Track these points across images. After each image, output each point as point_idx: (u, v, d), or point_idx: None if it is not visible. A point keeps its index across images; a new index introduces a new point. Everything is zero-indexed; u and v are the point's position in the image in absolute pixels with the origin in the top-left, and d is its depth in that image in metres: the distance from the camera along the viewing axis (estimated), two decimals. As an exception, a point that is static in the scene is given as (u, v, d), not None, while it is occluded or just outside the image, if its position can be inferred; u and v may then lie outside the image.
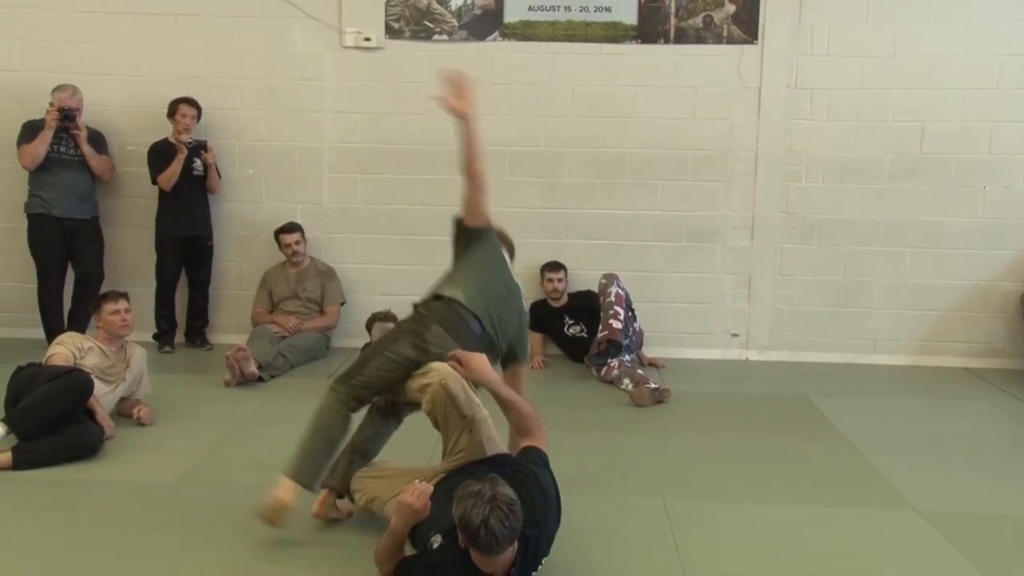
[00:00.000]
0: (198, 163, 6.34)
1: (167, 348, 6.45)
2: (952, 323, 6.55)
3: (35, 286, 6.30)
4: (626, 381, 5.69)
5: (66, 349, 4.55)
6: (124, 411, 4.81)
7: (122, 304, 4.75)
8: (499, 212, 6.52)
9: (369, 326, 5.45)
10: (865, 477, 4.28)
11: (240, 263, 6.77)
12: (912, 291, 6.54)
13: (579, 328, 6.38)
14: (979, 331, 6.54)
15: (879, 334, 6.59)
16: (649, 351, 6.45)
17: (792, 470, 4.35)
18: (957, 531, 3.64)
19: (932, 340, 6.56)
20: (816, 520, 3.77)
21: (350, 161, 6.64)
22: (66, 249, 6.26)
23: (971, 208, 6.42)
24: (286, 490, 3.40)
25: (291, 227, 6.45)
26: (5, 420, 4.12)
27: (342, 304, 6.57)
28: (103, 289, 5.84)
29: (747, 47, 6.43)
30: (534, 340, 6.52)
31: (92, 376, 4.44)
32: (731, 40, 6.44)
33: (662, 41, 6.46)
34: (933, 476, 4.31)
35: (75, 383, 4.25)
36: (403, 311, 5.71)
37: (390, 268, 6.70)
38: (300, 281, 6.48)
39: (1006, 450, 4.83)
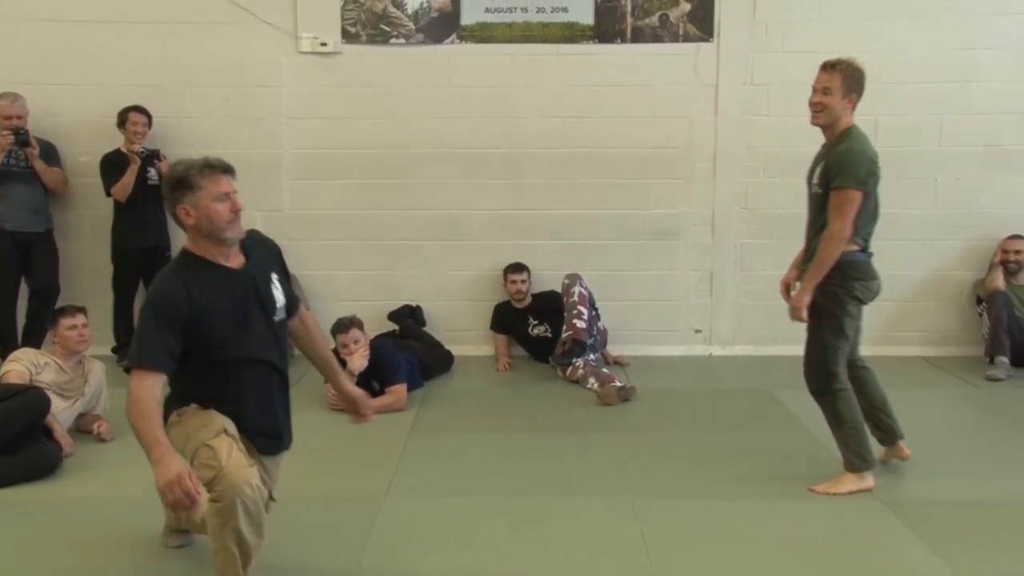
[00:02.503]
0: (152, 173, 6.25)
1: (126, 362, 6.34)
2: (908, 313, 6.65)
3: (-12, 304, 6.19)
4: (592, 380, 5.71)
5: (21, 366, 4.47)
6: (83, 427, 4.74)
7: (79, 319, 4.67)
8: (462, 215, 6.61)
9: (334, 332, 5.41)
10: (829, 470, 4.31)
11: (200, 273, 6.69)
12: (870, 283, 6.62)
13: (543, 328, 6.39)
14: (934, 320, 6.65)
15: (839, 326, 6.66)
16: (614, 349, 6.48)
17: (758, 465, 4.39)
18: (920, 519, 3.70)
19: (889, 330, 6.65)
20: (783, 514, 3.81)
21: (310, 167, 6.60)
22: (19, 264, 6.13)
23: (924, 200, 6.52)
24: None
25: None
26: (-40, 441, 4.05)
27: (306, 309, 6.50)
28: (59, 303, 5.75)
29: (703, 45, 6.48)
30: (499, 342, 6.53)
31: (49, 393, 4.36)
32: (687, 38, 6.48)
33: (619, 40, 6.49)
34: (895, 465, 4.37)
35: (32, 401, 4.18)
36: (367, 317, 5.79)
37: (353, 274, 6.66)
38: (261, 289, 6.41)
39: (963, 436, 4.92)
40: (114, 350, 6.36)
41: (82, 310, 4.74)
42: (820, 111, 3.85)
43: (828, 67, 3.85)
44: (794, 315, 3.89)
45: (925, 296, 6.63)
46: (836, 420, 4.01)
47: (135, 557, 3.42)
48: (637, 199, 6.63)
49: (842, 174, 3.74)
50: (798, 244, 6.52)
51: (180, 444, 2.87)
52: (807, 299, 3.84)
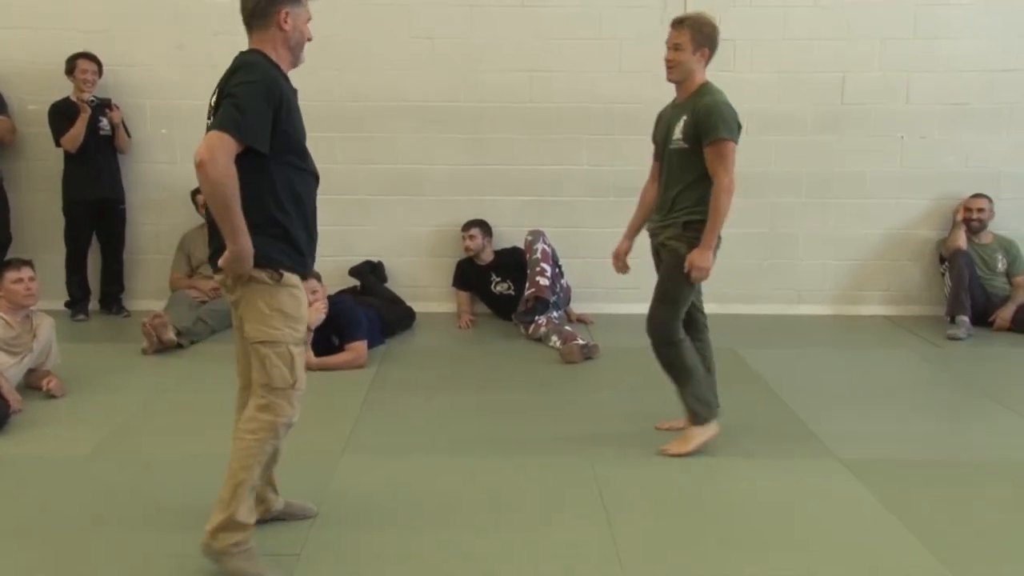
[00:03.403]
0: (104, 122, 6.07)
1: (81, 316, 6.21)
2: (873, 272, 6.66)
3: (-68, 255, 6.01)
4: (554, 338, 5.66)
5: (-33, 321, 4.34)
6: (32, 383, 4.61)
7: (25, 272, 4.53)
8: (422, 170, 6.50)
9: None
10: (790, 428, 4.32)
11: (156, 226, 6.55)
12: (835, 241, 6.63)
13: (506, 286, 6.32)
14: (898, 279, 6.67)
15: (803, 285, 6.68)
16: (577, 307, 6.43)
17: (720, 422, 4.35)
18: (878, 479, 3.69)
19: (854, 289, 6.68)
20: (743, 472, 3.79)
21: (267, 119, 6.41)
22: (-34, 215, 5.96)
23: (890, 158, 6.51)
24: None
25: (207, 188, 6.23)
26: (-99, 397, 3.92)
27: (264, 266, 6.39)
28: (9, 255, 5.58)
29: (670, -2, 6.37)
30: (461, 299, 6.46)
31: (-4, 351, 4.24)
32: (654, -9, 6.37)
33: (585, -7, 6.35)
34: (855, 424, 4.38)
35: (-23, 357, 4.05)
36: (326, 273, 5.67)
37: (312, 228, 6.53)
38: (218, 244, 6.27)
39: (923, 396, 4.94)
40: (67, 304, 6.21)
41: (28, 263, 4.59)
42: (673, 67, 3.86)
43: (677, 23, 3.85)
44: (701, 277, 3.82)
45: (888, 255, 6.64)
46: (684, 371, 3.94)
47: (81, 513, 3.33)
48: (603, 155, 6.55)
49: (718, 127, 3.72)
50: (764, 202, 6.57)
51: (264, 308, 2.82)
52: (710, 257, 3.79)
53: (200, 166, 2.68)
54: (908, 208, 6.57)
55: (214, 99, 2.88)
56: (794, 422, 4.39)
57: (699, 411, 3.98)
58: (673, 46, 3.84)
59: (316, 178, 3.03)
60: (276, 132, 2.79)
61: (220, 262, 2.81)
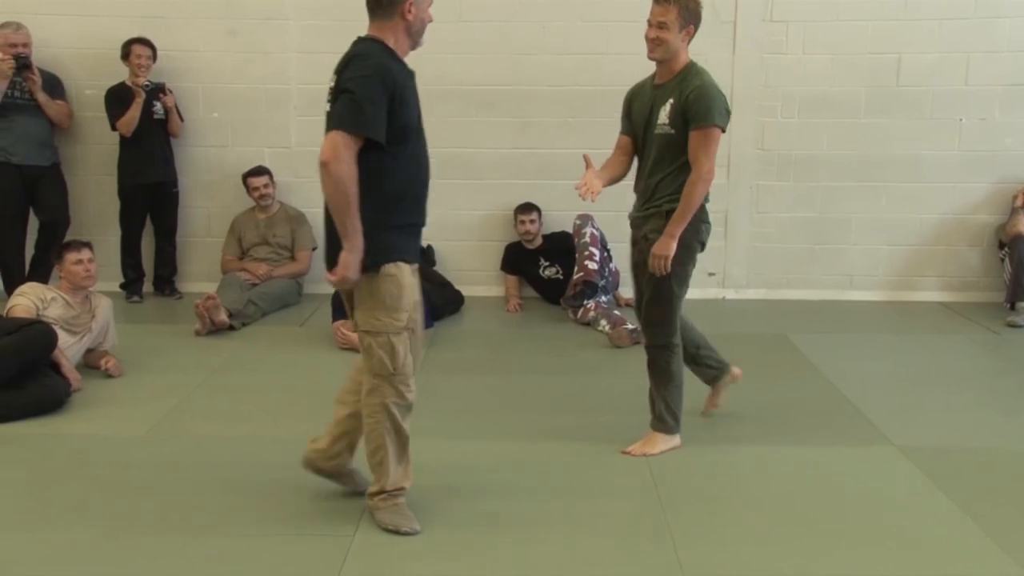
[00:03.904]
0: (158, 107, 6.14)
1: (135, 298, 6.31)
2: (928, 257, 6.53)
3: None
4: (603, 322, 5.64)
5: (28, 300, 4.43)
6: (91, 363, 4.70)
7: (85, 254, 4.62)
8: (470, 154, 6.49)
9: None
10: (844, 414, 4.27)
11: (208, 209, 6.62)
12: (888, 226, 6.51)
13: (555, 270, 6.30)
14: (955, 265, 6.53)
15: (855, 270, 6.57)
16: (625, 292, 6.39)
17: (772, 409, 4.32)
18: (935, 465, 3.64)
19: (908, 275, 6.55)
20: (797, 459, 3.75)
21: (318, 103, 6.30)
22: (27, 198, 6.06)
23: (947, 141, 6.37)
24: None
25: (259, 170, 6.30)
26: (-34, 375, 4.01)
27: (313, 249, 6.44)
28: (68, 237, 5.68)
29: (722, -20, 6.29)
30: (509, 283, 6.46)
31: (56, 328, 4.32)
32: (705, -28, 6.28)
33: (635, -26, 6.28)
34: (911, 411, 4.31)
35: (39, 335, 4.14)
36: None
37: (361, 212, 6.56)
38: (270, 227, 6.34)
39: (981, 384, 4.84)
40: (122, 286, 6.32)
41: (88, 245, 4.68)
42: (658, 45, 3.56)
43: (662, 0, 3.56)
44: (659, 265, 3.58)
45: (947, 240, 6.49)
46: (666, 376, 3.77)
47: (141, 492, 3.39)
48: (652, 138, 6.47)
49: (709, 112, 3.51)
50: (815, 186, 6.47)
51: (368, 297, 2.94)
52: (674, 247, 3.56)
53: (324, 166, 2.79)
54: (966, 192, 6.42)
55: (332, 85, 2.92)
56: (848, 408, 4.33)
57: (667, 421, 3.80)
58: (657, 24, 3.56)
59: (427, 160, 3.09)
60: (390, 123, 2.85)
61: (338, 270, 2.88)
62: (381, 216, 2.91)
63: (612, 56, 6.38)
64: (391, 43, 2.96)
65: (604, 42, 6.37)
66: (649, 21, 3.59)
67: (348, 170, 2.78)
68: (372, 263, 2.91)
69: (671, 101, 3.58)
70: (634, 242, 3.82)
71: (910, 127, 6.37)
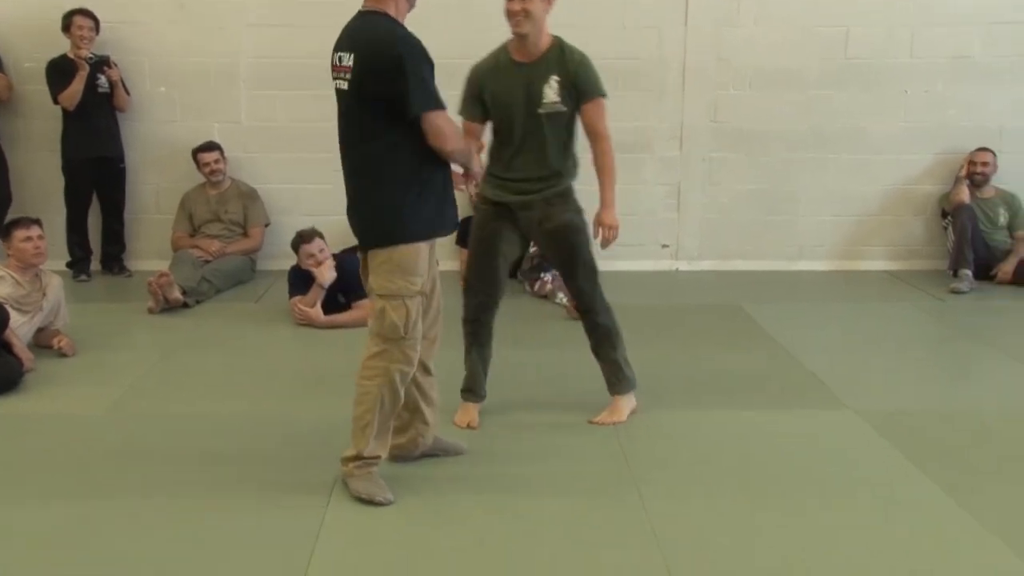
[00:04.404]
0: (102, 79, 5.99)
1: (83, 277, 6.18)
2: (874, 227, 6.68)
3: (-68, 216, 5.96)
4: (560, 295, 5.67)
5: (-24, 279, 4.31)
6: (42, 342, 4.60)
7: (34, 231, 4.51)
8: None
9: (295, 246, 5.28)
10: (801, 380, 4.36)
11: (157, 185, 6.50)
12: (836, 197, 6.63)
13: (510, 243, 6.30)
14: (900, 234, 6.68)
15: (805, 241, 6.69)
16: (580, 265, 6.41)
17: (729, 376, 4.40)
18: (890, 427, 3.74)
19: (855, 245, 6.69)
20: (758, 423, 3.83)
21: (269, 77, 6.36)
22: (-36, 175, 5.90)
23: (893, 113, 6.49)
24: None
25: (210, 146, 6.19)
26: (-85, 356, 3.90)
27: (266, 226, 6.37)
28: (11, 215, 5.54)
29: (674, -48, 6.31)
30: (464, 257, 6.44)
31: (6, 307, 4.21)
32: (657, -55, 6.31)
33: (589, -53, 6.28)
34: (863, 377, 4.41)
35: (-10, 315, 4.04)
36: (330, 232, 5.63)
37: (315, 188, 6.48)
38: (221, 203, 6.24)
39: (929, 349, 5.00)
40: (69, 265, 6.17)
41: (37, 221, 4.57)
42: (525, 18, 3.45)
43: None
44: (612, 235, 3.68)
45: (891, 210, 6.64)
46: (612, 333, 3.81)
47: (103, 470, 3.34)
48: (604, 112, 6.49)
49: (596, 83, 3.60)
50: (766, 159, 6.56)
51: (385, 262, 3.00)
52: (616, 214, 3.67)
53: (447, 152, 3.00)
54: (911, 163, 6.56)
55: (349, 62, 2.92)
56: (804, 375, 4.43)
57: (629, 374, 3.84)
58: None
59: None
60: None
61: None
62: (410, 187, 2.98)
63: (566, 29, 6.25)
64: (393, 11, 2.98)
65: (558, 17, 6.28)
66: None
67: (458, 136, 3.08)
68: (397, 237, 2.98)
69: (555, 78, 3.51)
70: (525, 229, 3.67)
71: (858, 100, 6.48)
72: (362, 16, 3.00)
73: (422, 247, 3.05)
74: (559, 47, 3.58)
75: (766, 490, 3.22)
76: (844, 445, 3.62)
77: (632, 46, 6.40)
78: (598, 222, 3.67)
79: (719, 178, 6.62)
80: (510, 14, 3.48)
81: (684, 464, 3.44)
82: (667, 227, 6.70)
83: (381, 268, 3.01)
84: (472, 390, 3.81)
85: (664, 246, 6.72)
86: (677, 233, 6.71)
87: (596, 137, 3.62)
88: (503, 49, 3.62)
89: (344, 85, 2.96)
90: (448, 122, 2.97)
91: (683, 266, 6.72)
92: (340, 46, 2.98)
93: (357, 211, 3.08)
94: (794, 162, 6.57)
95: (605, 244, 3.68)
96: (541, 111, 3.54)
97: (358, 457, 3.11)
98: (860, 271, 6.62)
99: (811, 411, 3.96)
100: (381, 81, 2.87)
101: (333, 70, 3.01)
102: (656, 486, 3.23)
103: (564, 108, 3.55)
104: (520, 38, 3.53)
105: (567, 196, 3.65)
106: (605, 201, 3.65)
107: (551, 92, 3.52)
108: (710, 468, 3.40)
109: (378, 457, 3.15)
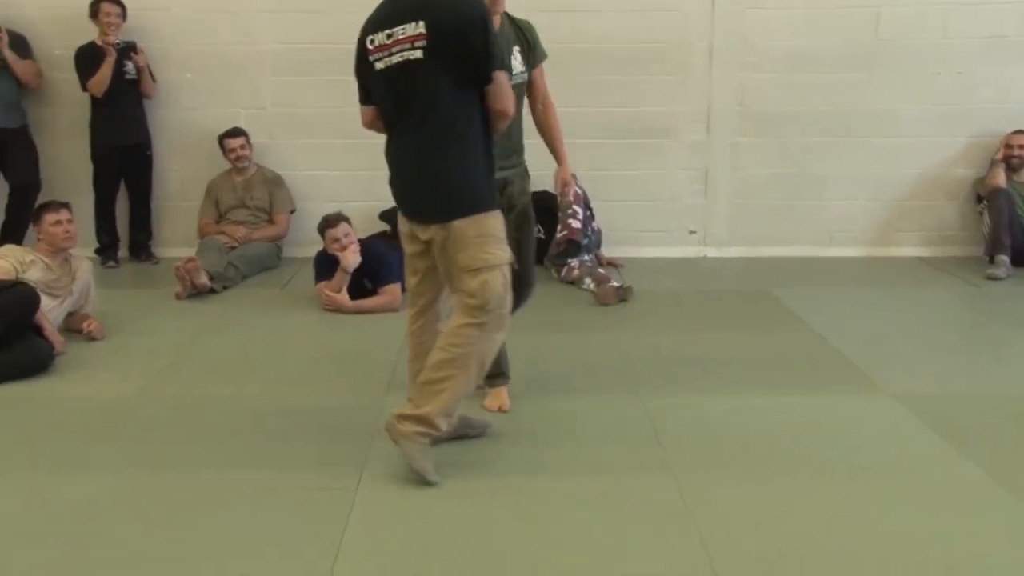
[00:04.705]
0: (130, 66, 6.00)
1: (111, 263, 6.20)
2: (906, 212, 6.58)
3: (-37, 202, 6.00)
4: (588, 281, 5.63)
5: (7, 263, 4.32)
6: (72, 326, 4.61)
7: (64, 214, 4.52)
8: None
9: (321, 230, 5.27)
10: (835, 364, 4.29)
11: (182, 172, 6.50)
12: (866, 181, 6.53)
13: (537, 229, 6.23)
14: (933, 219, 6.58)
15: (835, 226, 6.60)
16: (606, 251, 6.37)
17: (763, 360, 4.34)
18: (928, 410, 3.67)
19: (887, 230, 6.60)
20: (792, 406, 3.77)
21: (292, 63, 6.34)
22: (-4, 160, 5.93)
23: (925, 95, 6.39)
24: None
25: (235, 132, 6.19)
26: (-54, 338, 3.91)
27: (292, 212, 6.36)
28: (41, 200, 5.55)
29: (700, -66, 6.24)
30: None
31: (37, 290, 4.22)
32: (682, -74, 6.24)
33: (614, -70, 6.22)
34: (898, 361, 4.34)
35: (21, 297, 4.05)
36: (355, 218, 5.61)
37: (339, 174, 6.48)
38: (247, 189, 6.24)
39: (964, 333, 4.92)
40: (97, 251, 6.19)
41: (66, 205, 4.58)
42: None
43: None
44: (571, 190, 3.91)
45: (923, 195, 6.54)
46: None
47: (137, 447, 3.35)
48: (628, 96, 6.44)
49: (541, 45, 3.64)
50: (794, 142, 6.48)
51: (475, 235, 2.98)
52: None
53: (507, 114, 3.00)
54: (944, 146, 6.45)
55: (420, 30, 2.87)
56: (837, 358, 4.36)
57: (507, 364, 3.77)
58: None
59: None
60: None
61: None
62: (481, 158, 3.01)
63: (587, 13, 6.30)
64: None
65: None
66: None
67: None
68: (480, 206, 2.99)
69: (517, 48, 3.52)
70: (508, 207, 3.46)
71: (888, 82, 6.38)
72: None
73: (500, 214, 3.06)
74: (508, 16, 3.56)
75: (803, 472, 3.17)
76: (882, 428, 3.56)
77: (655, 29, 6.33)
78: (564, 178, 3.78)
79: (746, 163, 6.54)
80: None
81: (718, 446, 3.39)
82: (694, 213, 6.64)
83: (473, 241, 2.96)
84: (502, 373, 3.77)
85: (691, 232, 6.66)
86: (704, 219, 6.65)
87: (546, 97, 3.70)
88: None
89: (416, 54, 2.89)
90: (508, 82, 3.01)
91: (711, 252, 6.66)
92: (396, 19, 2.91)
93: (433, 187, 3.00)
94: (823, 146, 6.48)
95: (564, 197, 3.78)
96: (514, 82, 3.45)
97: (422, 420, 3.02)
98: (892, 257, 6.53)
99: (846, 395, 3.90)
100: (466, 40, 2.88)
101: (389, 46, 2.92)
102: (691, 468, 3.18)
103: (527, 75, 3.56)
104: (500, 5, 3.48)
105: (527, 172, 3.70)
106: (564, 157, 3.80)
107: (516, 63, 3.51)
108: (745, 450, 3.35)
109: (439, 431, 3.07)
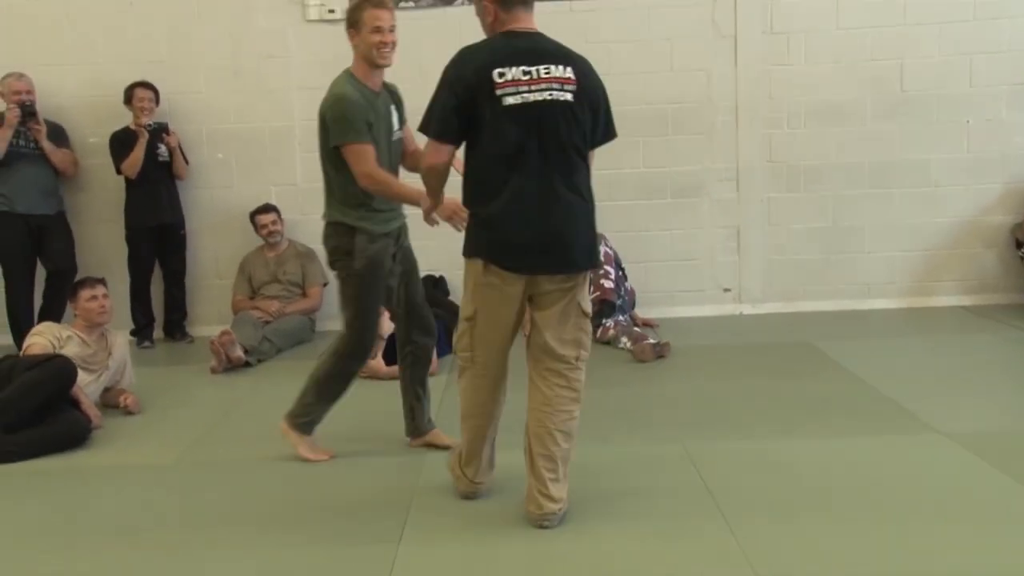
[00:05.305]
0: (162, 148, 6.11)
1: (147, 343, 6.21)
2: (945, 261, 6.47)
3: (3, 291, 6.05)
4: (624, 339, 5.56)
5: (44, 339, 4.34)
6: (109, 401, 4.60)
7: (99, 290, 4.55)
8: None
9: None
10: (883, 407, 4.18)
11: (216, 251, 6.56)
12: (902, 232, 6.46)
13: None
14: (973, 267, 6.47)
15: (873, 278, 6.50)
16: (640, 311, 6.31)
17: (807, 406, 4.24)
18: (984, 448, 3.55)
19: (926, 280, 6.49)
20: (845, 449, 3.66)
21: (322, 139, 6.42)
22: (33, 247, 5.99)
23: (956, 143, 6.34)
24: None
25: (267, 208, 6.25)
26: (-14, 412, 3.90)
27: (324, 285, 6.37)
28: (76, 281, 5.61)
29: (720, -6, 6.33)
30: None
31: (76, 368, 4.22)
32: (703, -12, 6.32)
33: (636, -6, 6.32)
34: (949, 402, 4.22)
35: (58, 369, 4.05)
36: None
37: (371, 246, 6.50)
38: (280, 264, 6.27)
39: (1015, 375, 4.79)
40: (133, 333, 6.21)
41: (102, 281, 4.62)
42: (392, 50, 3.58)
43: (389, 5, 3.58)
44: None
45: (962, 243, 6.43)
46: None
47: (174, 513, 3.31)
48: (658, 156, 6.45)
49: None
50: (826, 195, 6.43)
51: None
52: None
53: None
54: (979, 193, 6.38)
55: (571, 75, 2.96)
56: (886, 402, 4.25)
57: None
58: (390, 28, 3.56)
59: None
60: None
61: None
62: None
63: (616, 76, 6.22)
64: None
65: (607, 62, 6.26)
66: (388, 28, 3.53)
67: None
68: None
69: (394, 106, 3.69)
70: (392, 258, 3.73)
71: (917, 131, 6.36)
72: (542, 37, 3.04)
73: None
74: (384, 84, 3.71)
75: (864, 515, 3.04)
76: (940, 467, 3.44)
77: (681, 89, 6.38)
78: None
79: (779, 218, 6.50)
80: (386, 46, 3.54)
81: (771, 492, 3.27)
82: (728, 270, 6.58)
83: (585, 290, 3.08)
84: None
85: (726, 290, 6.59)
86: (739, 276, 6.58)
87: (418, 156, 3.59)
88: (355, 79, 3.60)
89: (568, 96, 2.91)
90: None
91: (747, 309, 6.57)
92: (535, 58, 2.91)
93: (582, 233, 3.00)
94: (855, 198, 6.43)
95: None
96: (394, 139, 3.68)
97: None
98: (933, 307, 6.40)
99: (898, 436, 3.79)
100: (600, 102, 3.02)
101: (529, 82, 2.88)
102: (744, 514, 3.07)
103: (402, 133, 3.74)
104: (382, 69, 3.63)
105: None
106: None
107: (396, 120, 3.68)
108: (800, 494, 3.23)
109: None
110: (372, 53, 3.51)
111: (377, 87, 3.62)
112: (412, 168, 3.76)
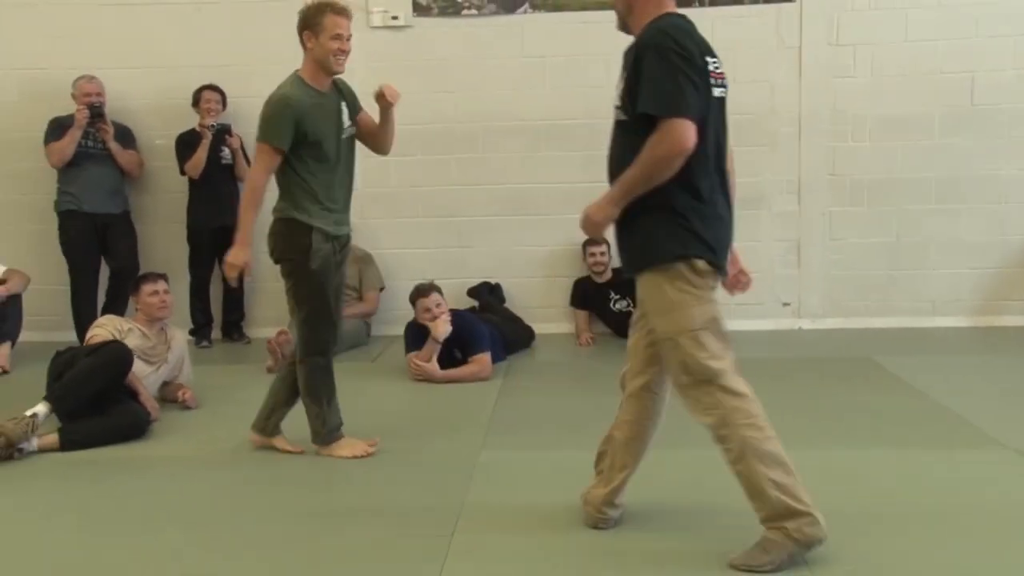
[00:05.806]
0: (226, 151, 6.21)
1: (205, 343, 6.30)
2: (1015, 280, 6.30)
3: (69, 288, 6.18)
4: (680, 350, 5.48)
5: (106, 331, 4.41)
6: (167, 396, 4.66)
7: (160, 285, 4.62)
8: (536, 189, 6.45)
9: (413, 300, 5.28)
10: (949, 422, 4.07)
11: (274, 254, 6.61)
12: (970, 249, 6.30)
13: (625, 303, 6.18)
14: (1042, 287, 6.29)
15: (937, 295, 6.35)
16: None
17: (872, 418, 4.16)
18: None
19: (994, 299, 6.32)
20: (914, 460, 3.60)
21: (381, 145, 6.47)
22: (98, 245, 6.13)
23: (1026, 159, 6.19)
24: None
25: (327, 211, 6.30)
26: (47, 398, 3.97)
27: (381, 290, 6.40)
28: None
29: (785, 5, 6.25)
30: (579, 318, 6.34)
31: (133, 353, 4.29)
32: (768, -1, 6.27)
33: (697, 4, 6.28)
34: (1018, 418, 4.08)
35: (114, 354, 4.12)
36: (445, 293, 5.61)
37: (427, 251, 6.53)
38: (337, 267, 6.31)
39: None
40: (191, 332, 6.29)
41: (163, 276, 4.69)
42: (346, 59, 3.70)
43: (348, 13, 3.68)
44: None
45: (1031, 261, 6.27)
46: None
47: (235, 501, 3.35)
48: (719, 168, 6.38)
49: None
50: (890, 210, 6.31)
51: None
52: None
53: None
54: (1049, 210, 6.22)
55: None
56: (952, 417, 4.13)
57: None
58: (348, 37, 3.65)
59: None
60: None
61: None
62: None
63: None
64: None
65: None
66: (345, 36, 3.63)
67: None
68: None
69: (344, 102, 3.74)
70: (337, 265, 3.80)
71: (988, 146, 6.21)
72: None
73: None
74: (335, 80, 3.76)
75: (946, 527, 2.97)
76: (1008, 480, 3.32)
77: (744, 99, 6.26)
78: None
79: (841, 232, 6.38)
80: (341, 55, 3.64)
81: (846, 502, 3.16)
82: (787, 284, 6.47)
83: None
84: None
85: (785, 304, 6.48)
86: (798, 290, 6.47)
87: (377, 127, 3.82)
88: (302, 81, 3.68)
89: (725, 93, 2.70)
90: None
91: (805, 324, 6.46)
92: (712, 51, 2.66)
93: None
94: (921, 213, 6.30)
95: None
96: (344, 136, 3.73)
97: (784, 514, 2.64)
98: (1000, 327, 6.23)
99: (967, 450, 3.68)
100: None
101: (719, 75, 2.69)
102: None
103: (354, 129, 3.77)
104: (336, 75, 3.71)
105: None
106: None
107: (345, 117, 3.72)
108: (863, 504, 3.14)
109: (794, 510, 2.69)
110: (329, 60, 3.61)
111: (324, 86, 3.68)
112: (380, 148, 3.93)
